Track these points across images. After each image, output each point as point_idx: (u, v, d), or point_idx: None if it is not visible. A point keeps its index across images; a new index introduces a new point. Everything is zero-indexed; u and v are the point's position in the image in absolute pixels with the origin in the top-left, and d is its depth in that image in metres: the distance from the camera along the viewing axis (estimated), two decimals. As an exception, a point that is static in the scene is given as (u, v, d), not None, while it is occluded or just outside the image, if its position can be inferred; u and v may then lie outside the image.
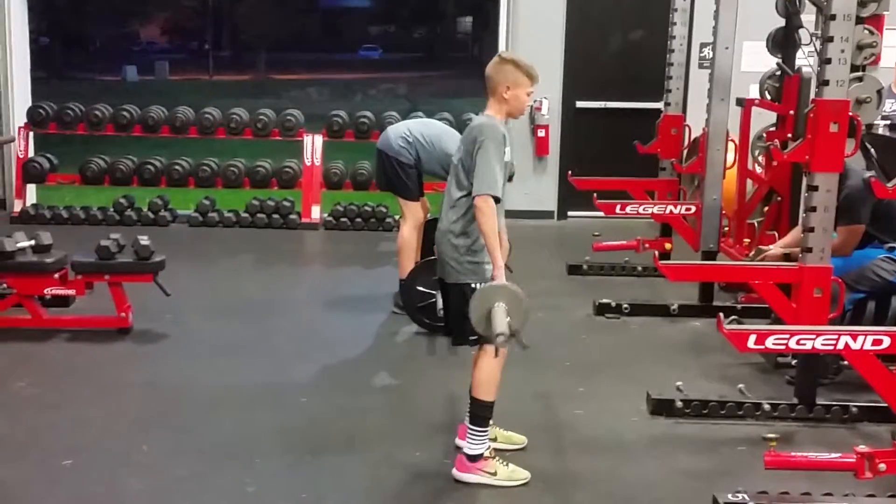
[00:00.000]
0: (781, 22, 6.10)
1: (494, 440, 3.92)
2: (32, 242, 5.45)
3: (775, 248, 5.14)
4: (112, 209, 8.51)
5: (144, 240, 5.41)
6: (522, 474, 3.74)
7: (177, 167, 8.68)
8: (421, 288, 5.43)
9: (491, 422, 3.78)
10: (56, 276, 5.38)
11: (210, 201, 8.70)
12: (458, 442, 3.87)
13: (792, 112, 5.88)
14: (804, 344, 3.49)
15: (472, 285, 3.69)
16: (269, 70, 38.28)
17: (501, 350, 3.64)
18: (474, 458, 3.71)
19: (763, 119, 6.61)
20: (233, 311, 6.03)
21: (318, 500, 3.60)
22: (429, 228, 6.26)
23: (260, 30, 41.37)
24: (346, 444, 4.08)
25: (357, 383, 4.84)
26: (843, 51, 3.94)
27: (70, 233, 7.63)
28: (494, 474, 3.70)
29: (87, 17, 38.75)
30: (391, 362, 5.19)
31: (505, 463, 3.75)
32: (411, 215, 5.91)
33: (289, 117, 8.70)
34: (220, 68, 38.25)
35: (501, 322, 3.40)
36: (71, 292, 5.43)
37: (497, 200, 3.65)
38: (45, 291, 5.39)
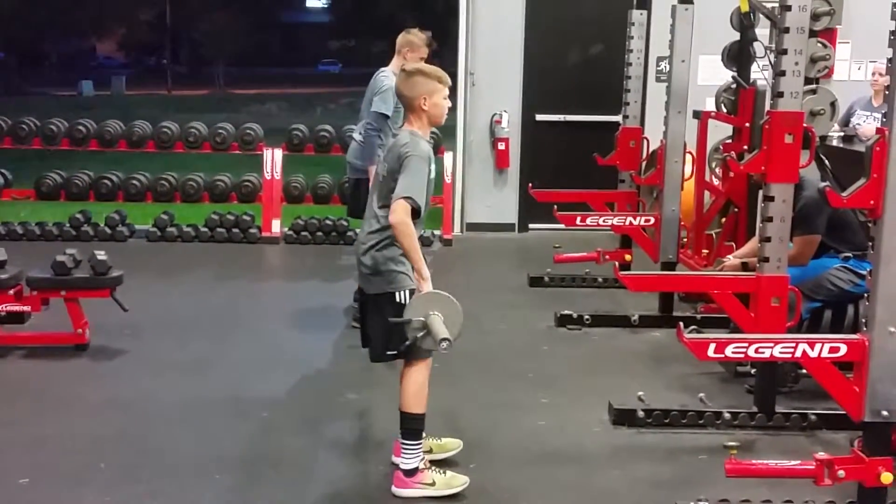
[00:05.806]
0: (736, 36, 6.19)
1: (430, 451, 3.90)
2: (-14, 259, 5.36)
3: (733, 259, 5.19)
4: (68, 224, 8.37)
5: (101, 255, 5.34)
6: (460, 480, 3.72)
7: (134, 181, 8.60)
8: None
9: (423, 434, 3.75)
10: (11, 292, 5.29)
11: (168, 216, 8.61)
12: (395, 459, 3.82)
13: (748, 124, 5.96)
14: (763, 352, 3.51)
15: (396, 294, 3.64)
16: (229, 85, 38.08)
17: (428, 361, 3.64)
18: (411, 473, 3.69)
19: (719, 131, 6.70)
20: (192, 326, 5.97)
21: (280, 516, 3.57)
22: None
23: (219, 45, 41.14)
24: (308, 460, 4.04)
25: (318, 398, 4.81)
26: (796, 63, 4.00)
27: (25, 249, 7.53)
28: (433, 485, 3.68)
29: (43, 33, 38.31)
30: (351, 377, 5.16)
31: (441, 471, 3.74)
32: None
33: (248, 131, 8.65)
34: (178, 83, 38.00)
35: (442, 329, 3.35)
36: (26, 309, 5.34)
37: (416, 214, 3.55)
38: (-1, 308, 5.30)
